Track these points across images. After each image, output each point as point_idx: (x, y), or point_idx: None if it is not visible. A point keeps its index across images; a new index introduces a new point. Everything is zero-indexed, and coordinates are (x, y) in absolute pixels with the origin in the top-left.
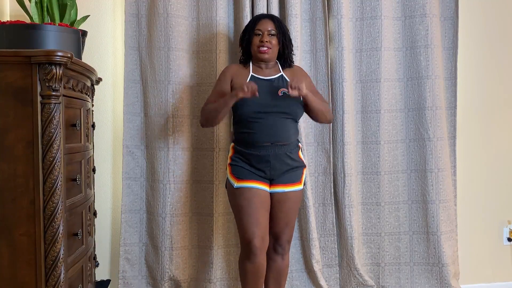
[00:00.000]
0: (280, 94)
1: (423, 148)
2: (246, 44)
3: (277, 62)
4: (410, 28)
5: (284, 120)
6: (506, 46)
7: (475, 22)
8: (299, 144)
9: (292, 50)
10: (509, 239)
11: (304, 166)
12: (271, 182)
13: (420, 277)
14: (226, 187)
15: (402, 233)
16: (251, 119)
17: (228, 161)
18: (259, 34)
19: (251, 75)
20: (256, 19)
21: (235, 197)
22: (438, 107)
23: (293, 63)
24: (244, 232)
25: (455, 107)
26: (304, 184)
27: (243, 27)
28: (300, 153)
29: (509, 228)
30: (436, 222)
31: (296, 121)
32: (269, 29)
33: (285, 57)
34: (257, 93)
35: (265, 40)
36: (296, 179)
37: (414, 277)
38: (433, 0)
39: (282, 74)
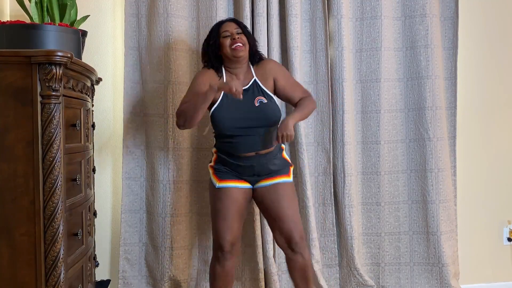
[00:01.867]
0: (257, 104)
1: (423, 148)
2: (214, 49)
3: (248, 65)
4: (410, 28)
5: (264, 129)
6: (506, 46)
7: (475, 22)
8: (282, 145)
9: (258, 47)
10: (509, 239)
11: (291, 164)
12: (257, 181)
13: (420, 277)
14: (208, 188)
15: (402, 233)
16: (231, 133)
17: (212, 163)
18: (227, 36)
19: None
20: (219, 24)
21: (215, 199)
22: (438, 107)
23: (261, 56)
24: (216, 236)
25: (455, 107)
26: (303, 181)
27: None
28: (284, 154)
29: (509, 228)
30: (436, 222)
31: (276, 126)
32: (235, 29)
33: (253, 53)
34: (241, 97)
35: (237, 37)
36: (282, 173)
37: (414, 277)
38: (433, 0)
39: (255, 79)
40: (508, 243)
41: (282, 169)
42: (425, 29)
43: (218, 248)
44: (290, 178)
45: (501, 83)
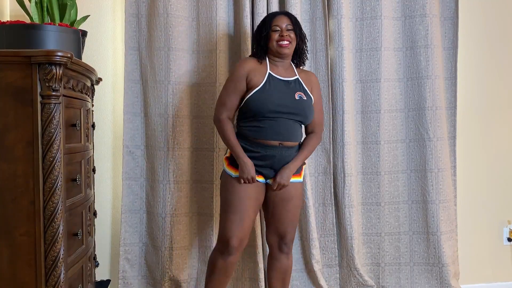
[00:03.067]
0: (297, 98)
1: (423, 148)
2: (264, 41)
3: (291, 64)
4: (410, 28)
5: (295, 123)
6: (506, 46)
7: (475, 22)
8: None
9: (307, 47)
10: (509, 239)
11: (304, 163)
12: (270, 176)
13: (420, 277)
14: (220, 179)
15: (402, 233)
16: (264, 115)
17: (227, 154)
18: (277, 30)
19: (269, 72)
20: (272, 16)
21: (228, 191)
22: (438, 107)
23: (305, 61)
24: (225, 229)
25: (455, 107)
26: (303, 181)
27: (243, 27)
28: None
29: (509, 228)
30: (436, 222)
31: (303, 126)
32: (286, 24)
33: (300, 53)
34: (254, 181)
35: (285, 34)
36: (297, 172)
37: (414, 277)
38: (433, 0)
39: (298, 78)
40: (508, 243)
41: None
42: (425, 29)
43: (225, 241)
44: (301, 178)
45: (501, 83)
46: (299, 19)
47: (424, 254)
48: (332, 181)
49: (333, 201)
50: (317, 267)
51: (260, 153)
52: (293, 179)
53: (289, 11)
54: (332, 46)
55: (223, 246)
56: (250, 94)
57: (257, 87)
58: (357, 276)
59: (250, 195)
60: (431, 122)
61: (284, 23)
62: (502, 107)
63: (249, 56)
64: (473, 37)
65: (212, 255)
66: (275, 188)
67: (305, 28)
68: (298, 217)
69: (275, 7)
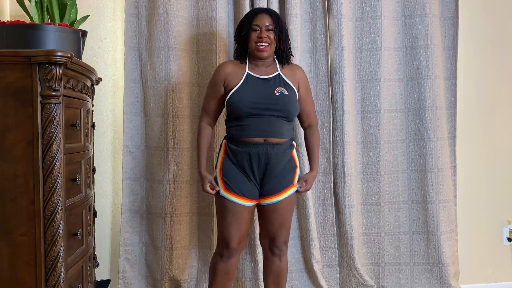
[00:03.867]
0: (277, 94)
1: (423, 148)
2: (243, 40)
3: (274, 59)
4: (410, 28)
5: (278, 119)
6: (506, 46)
7: (475, 22)
8: (293, 142)
9: (290, 46)
10: (509, 239)
11: (296, 166)
12: (261, 192)
13: (420, 277)
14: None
15: (402, 233)
16: (244, 114)
17: (220, 160)
18: (256, 30)
19: (247, 73)
20: (253, 14)
21: (220, 202)
22: (438, 107)
23: (290, 59)
24: (223, 232)
25: (455, 107)
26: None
27: None
28: (294, 152)
29: (509, 228)
30: (436, 222)
31: (290, 121)
32: (267, 24)
33: (282, 53)
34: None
35: (264, 35)
36: (287, 183)
37: (414, 277)
38: (433, 0)
39: (279, 73)
40: (508, 243)
41: (287, 176)
42: (425, 29)
43: (225, 244)
44: (294, 188)
45: (501, 83)
46: (299, 19)
47: (424, 254)
48: (332, 181)
49: (333, 201)
50: (317, 267)
51: (247, 152)
52: (286, 194)
53: (289, 11)
54: (332, 46)
55: (223, 249)
56: (228, 96)
57: (235, 86)
58: (357, 276)
59: (241, 209)
60: (431, 122)
61: (264, 22)
62: (502, 107)
63: (234, 55)
64: (473, 37)
65: (213, 260)
66: (301, 194)
67: (305, 28)
68: (290, 221)
69: (275, 7)
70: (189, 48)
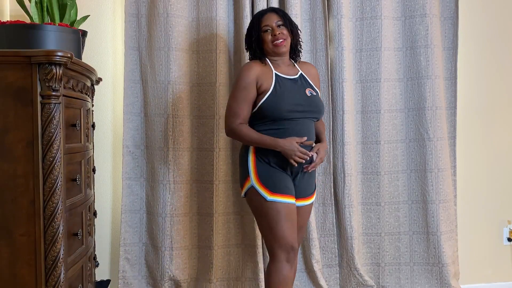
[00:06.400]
0: (308, 94)
1: (423, 148)
2: (256, 43)
3: (290, 59)
4: (410, 28)
5: (311, 121)
6: (506, 46)
7: (475, 22)
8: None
9: (301, 39)
10: (509, 239)
11: (315, 177)
12: (296, 192)
13: (420, 277)
14: (246, 195)
15: (402, 233)
16: (283, 117)
17: (252, 168)
18: (268, 30)
19: (275, 73)
20: (259, 16)
21: (267, 207)
22: (438, 107)
23: (299, 53)
24: (285, 237)
25: (455, 107)
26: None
27: (243, 27)
28: None
29: (509, 228)
30: (436, 222)
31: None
32: (276, 21)
33: (294, 47)
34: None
35: (277, 32)
36: (313, 187)
37: (414, 277)
38: (433, 0)
39: (302, 73)
40: (508, 243)
41: (312, 179)
42: (425, 29)
43: (290, 248)
44: (314, 196)
45: (501, 83)
46: (299, 19)
47: (424, 254)
48: (332, 181)
49: (333, 201)
50: (317, 267)
51: (281, 156)
52: (311, 199)
53: (289, 11)
54: (332, 46)
55: (289, 253)
56: (263, 100)
57: (268, 90)
58: (357, 276)
59: (289, 209)
60: (431, 122)
61: (273, 20)
62: (502, 107)
63: (250, 60)
64: (473, 37)
65: (276, 269)
66: (310, 168)
67: (305, 28)
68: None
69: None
70: (189, 48)
